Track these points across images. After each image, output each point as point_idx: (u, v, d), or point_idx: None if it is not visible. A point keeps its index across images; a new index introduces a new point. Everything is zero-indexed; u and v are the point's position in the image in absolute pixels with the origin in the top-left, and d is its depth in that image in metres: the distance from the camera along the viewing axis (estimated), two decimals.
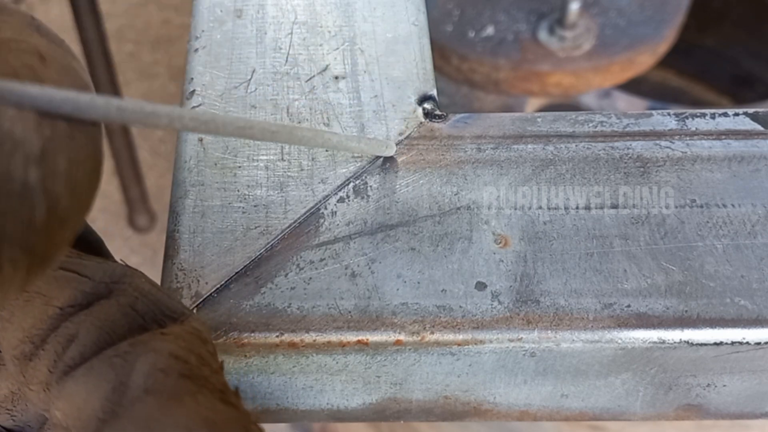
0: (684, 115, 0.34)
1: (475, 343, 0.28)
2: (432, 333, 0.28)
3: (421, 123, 0.34)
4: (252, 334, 0.28)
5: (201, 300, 0.29)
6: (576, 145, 0.33)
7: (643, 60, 0.72)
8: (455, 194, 0.32)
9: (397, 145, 0.33)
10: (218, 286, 0.29)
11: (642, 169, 0.32)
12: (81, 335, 0.23)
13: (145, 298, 0.24)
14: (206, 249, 0.30)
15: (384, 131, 0.34)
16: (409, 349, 0.28)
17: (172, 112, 0.22)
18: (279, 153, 0.33)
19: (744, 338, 0.28)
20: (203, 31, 0.37)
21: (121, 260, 0.26)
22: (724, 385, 0.30)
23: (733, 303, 0.28)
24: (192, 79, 0.35)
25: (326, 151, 0.33)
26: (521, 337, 0.28)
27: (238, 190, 0.32)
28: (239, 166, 0.32)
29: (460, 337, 0.28)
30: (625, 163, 0.32)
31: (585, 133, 0.33)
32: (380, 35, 0.37)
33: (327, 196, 0.32)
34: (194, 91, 0.35)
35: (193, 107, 0.34)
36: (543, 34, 0.71)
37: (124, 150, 1.31)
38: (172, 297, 0.25)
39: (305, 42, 0.37)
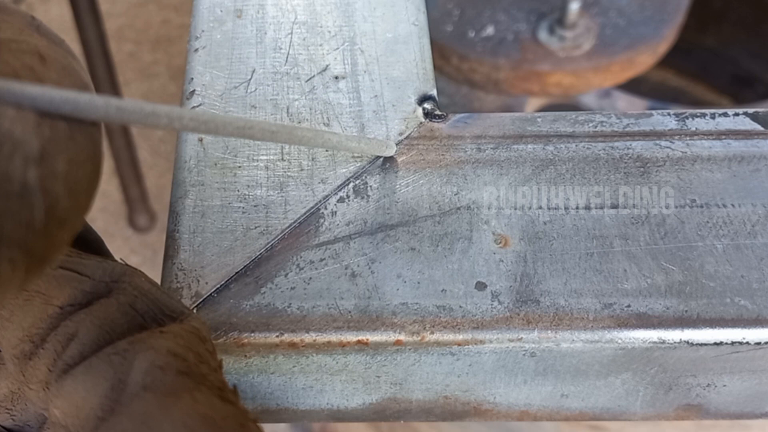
0: (684, 115, 0.34)
1: (475, 343, 0.28)
2: (432, 333, 0.28)
3: (421, 123, 0.34)
4: (252, 334, 0.28)
5: (201, 300, 0.29)
6: (576, 145, 0.33)
7: (643, 60, 0.72)
8: (455, 194, 0.32)
9: (397, 145, 0.33)
10: (218, 286, 0.29)
11: (642, 169, 0.32)
12: (80, 334, 0.23)
13: (145, 297, 0.24)
14: (206, 249, 0.30)
15: (384, 131, 0.34)
16: (409, 349, 0.28)
17: (171, 112, 0.22)
18: (279, 153, 0.33)
19: (744, 338, 0.28)
20: (203, 31, 0.37)
21: (120, 259, 0.26)
22: (724, 385, 0.30)
23: (733, 303, 0.28)
24: (192, 79, 0.35)
25: (326, 151, 0.33)
26: (521, 337, 0.28)
27: (238, 190, 0.32)
28: (239, 166, 0.32)
29: (460, 337, 0.28)
30: (625, 163, 0.32)
31: (585, 133, 0.33)
32: (380, 35, 0.37)
33: (327, 196, 0.32)
34: (194, 91, 0.35)
35: (193, 107, 0.34)
36: (543, 34, 0.71)
37: (124, 150, 1.31)
38: (172, 296, 0.25)
39: (305, 42, 0.37)
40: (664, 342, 0.28)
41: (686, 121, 0.34)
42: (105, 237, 0.28)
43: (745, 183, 0.32)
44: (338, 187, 0.32)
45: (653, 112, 0.34)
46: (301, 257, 0.30)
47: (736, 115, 0.34)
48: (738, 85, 1.19)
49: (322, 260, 0.30)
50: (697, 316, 0.28)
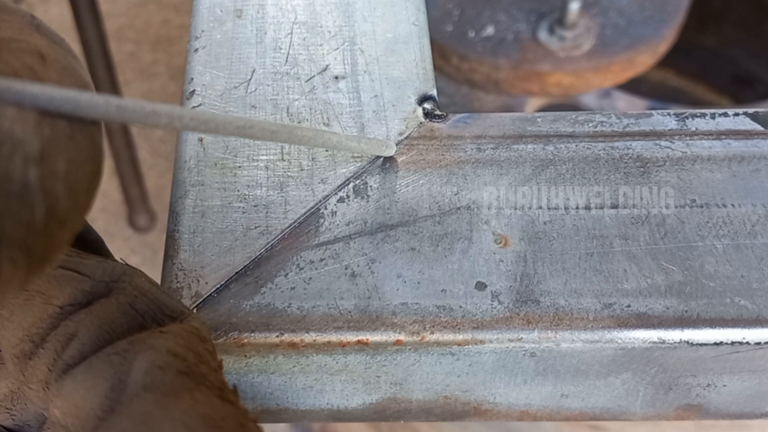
0: (684, 115, 0.34)
1: (475, 343, 0.28)
2: (432, 333, 0.28)
3: (421, 123, 0.34)
4: (252, 334, 0.28)
5: (201, 300, 0.29)
6: (576, 145, 0.33)
7: (643, 60, 0.72)
8: (455, 194, 0.32)
9: (397, 145, 0.33)
10: (218, 286, 0.29)
11: (642, 169, 0.32)
12: (80, 334, 0.23)
13: (145, 297, 0.24)
14: (206, 249, 0.30)
15: (384, 131, 0.34)
16: (409, 349, 0.28)
17: (172, 112, 0.22)
18: (279, 153, 0.33)
19: (744, 338, 0.28)
20: (203, 31, 0.37)
21: (121, 259, 0.26)
22: (724, 385, 0.30)
23: (733, 303, 0.28)
24: (192, 79, 0.35)
25: (326, 151, 0.33)
26: (521, 337, 0.28)
27: (238, 190, 0.32)
28: (239, 166, 0.32)
29: (460, 337, 0.28)
30: (625, 163, 0.32)
31: (585, 133, 0.33)
32: (380, 35, 0.37)
33: (327, 196, 0.32)
34: (194, 91, 0.35)
35: (193, 107, 0.34)
36: (543, 34, 0.71)
37: (124, 150, 1.31)
38: (172, 296, 0.25)
39: (305, 42, 0.37)
40: (664, 342, 0.28)
41: (686, 121, 0.34)
42: (105, 237, 0.28)
43: (745, 183, 0.32)
44: (338, 187, 0.32)
45: (653, 112, 0.34)
46: (301, 257, 0.30)
47: (736, 115, 0.34)
48: (738, 85, 1.19)
49: (322, 260, 0.30)
50: (697, 316, 0.28)
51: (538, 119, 0.34)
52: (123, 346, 0.22)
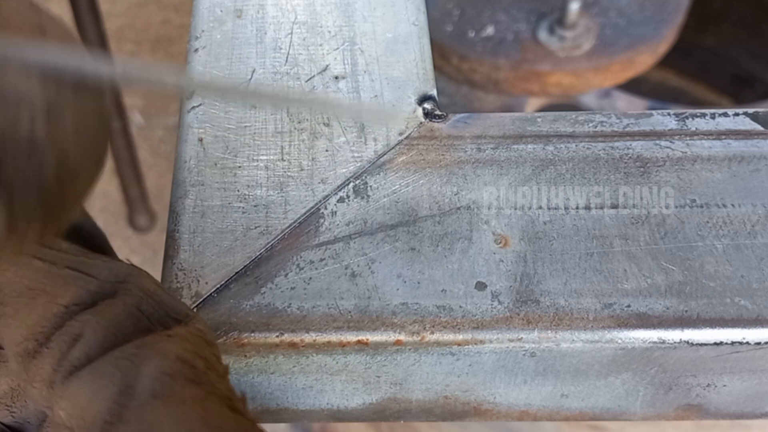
0: (684, 115, 0.34)
1: (475, 343, 0.28)
2: (432, 333, 0.28)
3: (421, 123, 0.34)
4: (252, 334, 0.28)
5: (201, 300, 0.29)
6: (576, 145, 0.33)
7: (643, 60, 0.72)
8: (455, 194, 0.32)
9: (397, 145, 0.33)
10: (218, 286, 0.29)
11: (642, 169, 0.32)
12: (87, 335, 0.23)
13: (151, 299, 0.24)
14: (206, 249, 0.30)
15: (384, 131, 0.34)
16: (409, 349, 0.28)
17: (176, 74, 0.22)
18: (279, 153, 0.33)
19: (744, 338, 0.28)
20: (203, 31, 0.37)
21: (126, 260, 0.26)
22: (724, 385, 0.30)
23: (733, 303, 0.28)
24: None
25: (326, 150, 0.33)
26: (521, 337, 0.28)
27: (238, 190, 0.32)
28: (239, 166, 0.32)
29: (460, 337, 0.28)
30: (625, 163, 0.32)
31: (585, 133, 0.33)
32: (380, 35, 0.37)
33: (327, 196, 0.32)
34: (194, 91, 0.35)
35: (193, 107, 0.34)
36: (543, 34, 0.71)
37: (124, 150, 1.31)
38: (176, 298, 0.25)
39: (305, 42, 0.37)
40: (664, 342, 0.28)
41: (686, 121, 0.34)
42: None
43: (745, 183, 0.32)
44: (338, 187, 0.32)
45: (653, 112, 0.34)
46: (301, 257, 0.30)
47: (736, 115, 0.34)
48: (738, 85, 1.19)
49: (322, 260, 0.30)
50: (697, 316, 0.28)
51: (538, 119, 0.34)
52: (131, 350, 0.22)
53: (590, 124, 0.34)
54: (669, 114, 0.34)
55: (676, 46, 0.77)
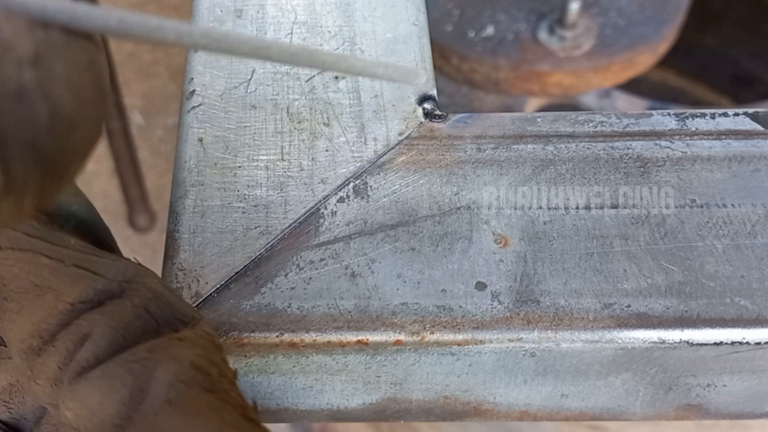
0: (684, 115, 0.34)
1: (475, 343, 0.28)
2: (432, 333, 0.28)
3: (421, 123, 0.34)
4: (252, 334, 0.28)
5: (201, 300, 0.29)
6: (576, 145, 0.33)
7: (643, 60, 0.72)
8: (455, 194, 0.32)
9: (397, 145, 0.33)
10: (218, 286, 0.29)
11: (642, 169, 0.32)
12: (95, 336, 0.22)
13: (158, 300, 0.24)
14: (206, 249, 0.30)
15: (384, 131, 0.34)
16: (409, 349, 0.28)
17: (180, 27, 0.20)
18: (279, 153, 0.33)
19: (744, 338, 0.28)
20: None
21: (134, 258, 0.26)
22: (724, 385, 0.30)
23: (733, 303, 0.28)
24: (192, 79, 0.35)
25: (326, 151, 0.33)
26: (521, 337, 0.28)
27: (238, 190, 0.32)
28: (239, 166, 0.32)
29: (460, 337, 0.28)
30: (625, 163, 0.32)
31: (585, 133, 0.33)
32: (380, 35, 0.37)
33: (327, 196, 0.32)
34: (194, 91, 0.35)
35: (193, 107, 0.34)
36: (543, 34, 0.71)
37: (124, 150, 1.31)
38: (182, 299, 0.25)
39: (305, 42, 0.37)
40: (664, 342, 0.28)
41: (686, 121, 0.34)
42: None
43: (745, 183, 0.32)
44: (338, 187, 0.32)
45: (653, 112, 0.34)
46: (301, 257, 0.30)
47: (736, 115, 0.34)
48: (738, 85, 1.19)
49: (322, 260, 0.30)
50: (697, 316, 0.28)
51: (538, 119, 0.34)
52: (142, 354, 0.22)
53: (590, 124, 0.34)
54: (669, 114, 0.34)
55: (676, 46, 0.77)
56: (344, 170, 0.32)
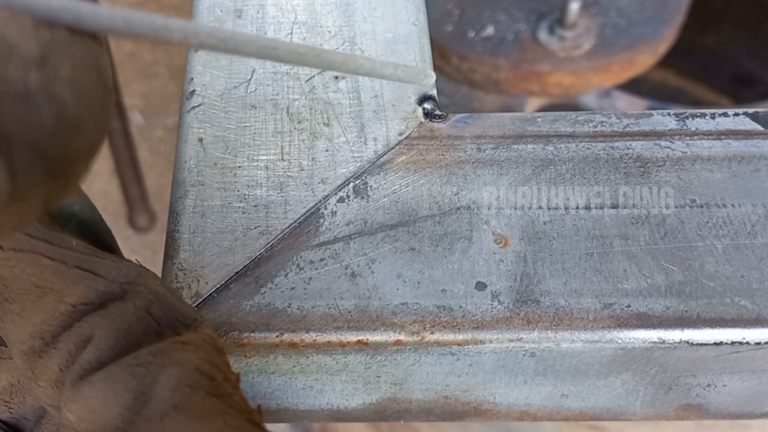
0: (684, 115, 0.34)
1: (475, 343, 0.28)
2: (432, 333, 0.28)
3: (421, 123, 0.34)
4: (252, 334, 0.28)
5: (201, 300, 0.29)
6: (576, 145, 0.33)
7: (643, 60, 0.72)
8: (455, 194, 0.32)
9: (397, 145, 0.33)
10: (218, 286, 0.29)
11: (642, 169, 0.32)
12: (97, 338, 0.22)
13: (160, 302, 0.24)
14: (206, 249, 0.30)
15: (384, 131, 0.34)
16: (409, 349, 0.28)
17: (186, 27, 0.20)
18: (279, 153, 0.33)
19: (744, 338, 0.28)
20: None
21: (135, 260, 0.25)
22: (724, 385, 0.30)
23: (733, 303, 0.28)
24: (192, 79, 0.35)
25: (327, 150, 0.33)
26: (521, 337, 0.28)
27: (238, 190, 0.32)
28: (239, 166, 0.32)
29: (460, 337, 0.28)
30: (625, 163, 0.32)
31: (585, 133, 0.33)
32: (380, 35, 0.37)
33: (327, 196, 0.32)
34: (194, 91, 0.35)
35: (193, 107, 0.34)
36: (543, 34, 0.71)
37: (124, 150, 1.31)
38: (184, 301, 0.25)
39: (305, 42, 0.37)
40: (664, 342, 0.28)
41: (686, 121, 0.34)
42: None
43: (745, 183, 0.32)
44: (338, 187, 0.32)
45: (653, 112, 0.34)
46: (301, 257, 0.30)
47: (736, 115, 0.34)
48: (738, 85, 1.19)
49: (322, 260, 0.30)
50: (697, 316, 0.28)
51: (538, 119, 0.34)
52: (146, 358, 0.22)
53: (590, 124, 0.34)
54: (669, 114, 0.34)
55: (676, 46, 0.77)
56: (344, 170, 0.32)
